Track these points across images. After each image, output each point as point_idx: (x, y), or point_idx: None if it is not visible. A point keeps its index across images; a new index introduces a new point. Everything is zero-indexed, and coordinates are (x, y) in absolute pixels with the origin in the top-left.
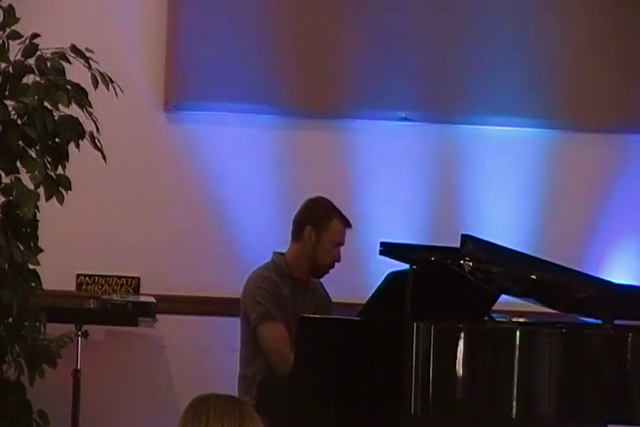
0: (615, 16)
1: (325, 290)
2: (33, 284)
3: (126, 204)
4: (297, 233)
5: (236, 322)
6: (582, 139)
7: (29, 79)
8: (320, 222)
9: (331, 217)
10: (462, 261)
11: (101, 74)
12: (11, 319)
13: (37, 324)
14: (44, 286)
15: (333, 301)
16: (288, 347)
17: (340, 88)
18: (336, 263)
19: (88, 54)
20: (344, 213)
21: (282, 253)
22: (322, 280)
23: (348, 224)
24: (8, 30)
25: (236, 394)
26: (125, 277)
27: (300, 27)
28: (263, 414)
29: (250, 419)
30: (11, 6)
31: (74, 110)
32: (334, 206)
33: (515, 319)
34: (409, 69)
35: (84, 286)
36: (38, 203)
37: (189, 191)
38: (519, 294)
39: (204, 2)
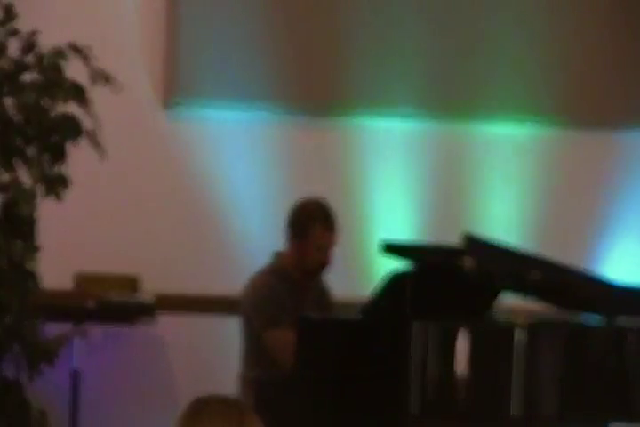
0: (614, 15)
1: (327, 288)
2: (31, 283)
3: (126, 203)
4: (286, 237)
5: (236, 322)
6: (582, 137)
7: (27, 77)
8: (301, 228)
9: (311, 223)
10: (463, 261)
11: (100, 71)
12: (9, 319)
13: (36, 323)
14: (43, 286)
15: (333, 300)
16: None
17: (341, 87)
18: (329, 265)
19: (86, 52)
20: (344, 213)
21: (281, 254)
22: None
23: (329, 228)
24: (7, 27)
25: (236, 393)
26: (125, 277)
27: (300, 26)
28: (263, 414)
29: (250, 421)
30: (9, 3)
31: (72, 108)
32: (319, 209)
33: (515, 319)
34: (409, 69)
35: (82, 286)
36: (36, 201)
37: (189, 190)
38: (519, 293)
39: (205, 1)
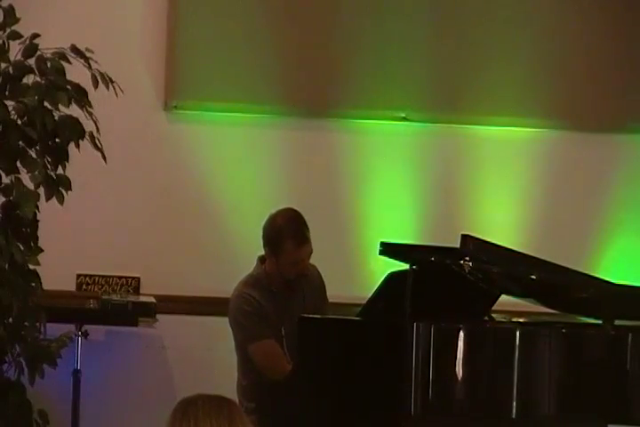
0: (614, 16)
1: (320, 283)
2: (33, 284)
3: (126, 204)
4: (264, 249)
5: None
6: (582, 139)
7: (29, 79)
8: (273, 246)
9: (282, 240)
10: (462, 261)
11: (101, 74)
12: (11, 319)
13: (37, 324)
14: (45, 286)
15: (333, 301)
16: (281, 360)
17: (340, 88)
18: (307, 273)
19: (88, 54)
20: (343, 213)
21: (263, 260)
22: (323, 278)
23: (300, 242)
24: (8, 30)
25: (236, 394)
26: (125, 278)
27: (299, 27)
28: (264, 415)
29: (239, 419)
30: (11, 6)
31: (74, 110)
32: (288, 224)
33: (515, 319)
34: (409, 69)
35: (84, 286)
36: (38, 203)
37: (189, 191)
38: (519, 294)
39: (204, 2)
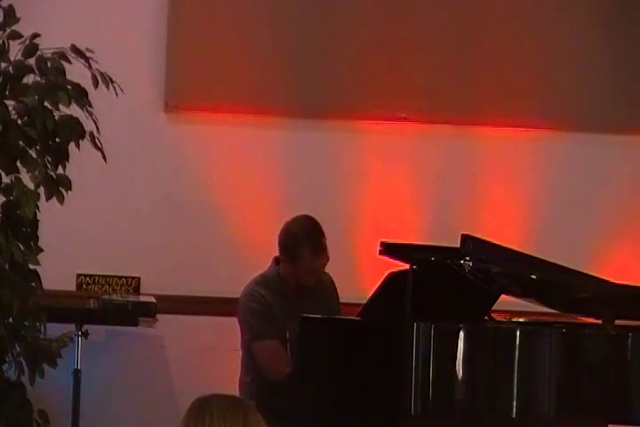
0: (615, 16)
1: (333, 290)
2: (33, 284)
3: (126, 204)
4: (279, 256)
5: (235, 322)
6: (582, 139)
7: (29, 79)
8: (291, 254)
9: (300, 249)
10: (462, 261)
11: (101, 74)
12: (11, 319)
13: (37, 324)
14: (45, 286)
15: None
16: (282, 361)
17: (340, 88)
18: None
19: (88, 54)
20: (344, 213)
21: (278, 262)
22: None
23: (317, 251)
24: (8, 30)
25: (236, 394)
26: (125, 278)
27: (300, 27)
28: (263, 414)
29: (254, 419)
30: (11, 6)
31: (74, 110)
32: (307, 232)
33: (515, 319)
34: (409, 69)
35: (84, 286)
36: (38, 203)
37: (189, 191)
38: (519, 294)
39: (205, 2)
